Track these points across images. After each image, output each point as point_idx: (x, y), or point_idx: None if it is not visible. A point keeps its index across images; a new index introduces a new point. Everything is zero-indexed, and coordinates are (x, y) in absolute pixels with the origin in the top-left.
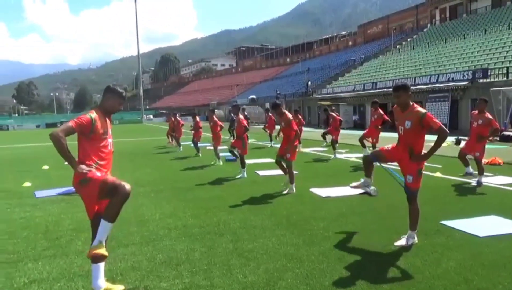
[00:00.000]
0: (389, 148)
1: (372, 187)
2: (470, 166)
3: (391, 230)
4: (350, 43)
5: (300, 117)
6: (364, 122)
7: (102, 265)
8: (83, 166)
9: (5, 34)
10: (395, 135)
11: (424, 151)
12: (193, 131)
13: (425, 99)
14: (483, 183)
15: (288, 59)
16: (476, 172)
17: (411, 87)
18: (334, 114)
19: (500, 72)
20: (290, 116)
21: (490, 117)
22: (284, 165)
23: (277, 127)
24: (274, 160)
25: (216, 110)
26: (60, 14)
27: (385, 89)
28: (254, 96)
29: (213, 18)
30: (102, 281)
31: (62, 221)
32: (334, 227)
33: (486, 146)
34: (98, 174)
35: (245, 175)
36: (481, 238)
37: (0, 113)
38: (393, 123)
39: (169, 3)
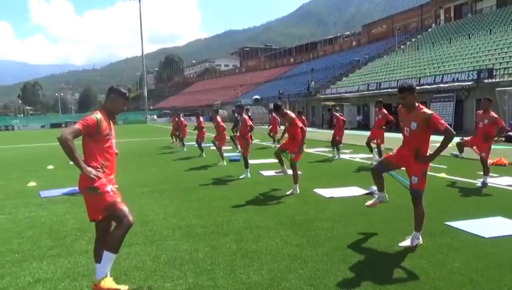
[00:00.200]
0: (395, 153)
1: (384, 195)
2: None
3: (396, 230)
4: (354, 43)
5: (303, 118)
6: (368, 122)
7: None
8: (91, 169)
9: (11, 35)
10: (400, 136)
11: (429, 152)
12: (196, 132)
13: (430, 100)
14: (489, 184)
15: (292, 59)
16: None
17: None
18: (338, 114)
19: (505, 72)
20: (292, 114)
21: (496, 115)
22: (284, 159)
23: (282, 127)
24: (278, 161)
25: (220, 110)
26: (64, 15)
27: (390, 89)
28: (258, 97)
29: (217, 18)
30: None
31: (66, 221)
32: (338, 227)
33: (492, 146)
34: (108, 188)
35: (249, 175)
36: (486, 239)
37: (6, 113)
38: (398, 123)
39: (173, 3)
